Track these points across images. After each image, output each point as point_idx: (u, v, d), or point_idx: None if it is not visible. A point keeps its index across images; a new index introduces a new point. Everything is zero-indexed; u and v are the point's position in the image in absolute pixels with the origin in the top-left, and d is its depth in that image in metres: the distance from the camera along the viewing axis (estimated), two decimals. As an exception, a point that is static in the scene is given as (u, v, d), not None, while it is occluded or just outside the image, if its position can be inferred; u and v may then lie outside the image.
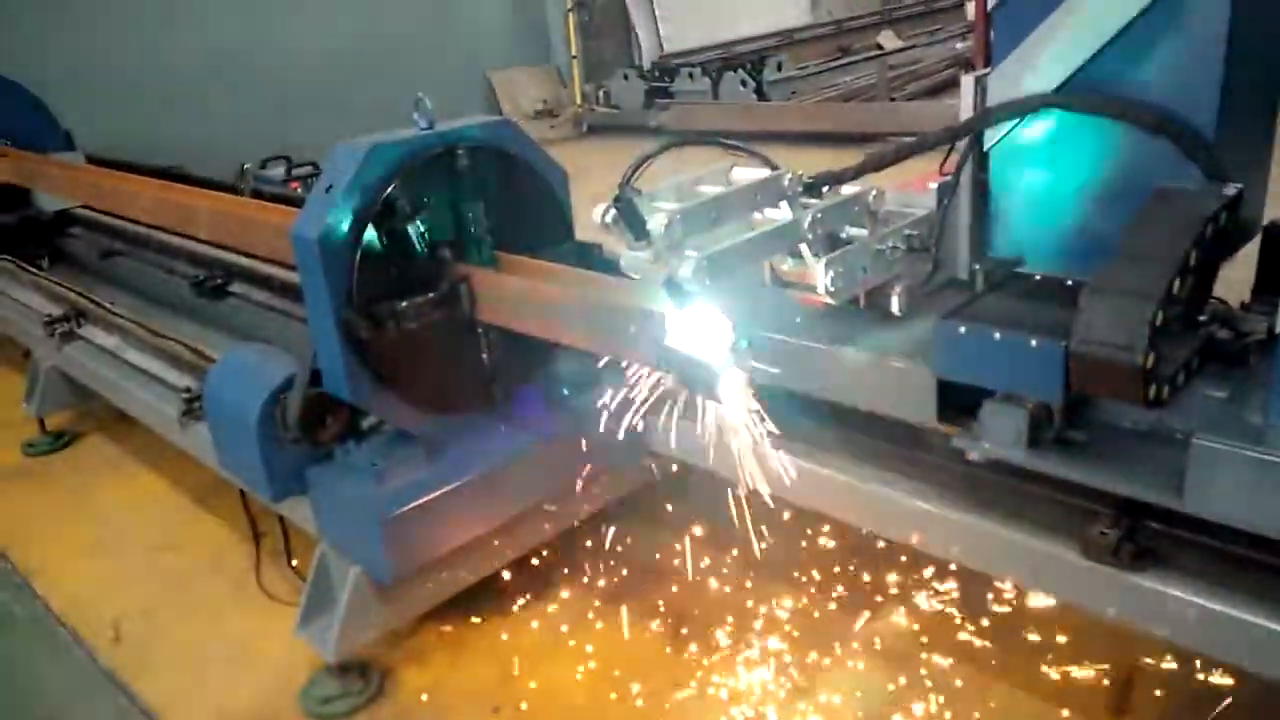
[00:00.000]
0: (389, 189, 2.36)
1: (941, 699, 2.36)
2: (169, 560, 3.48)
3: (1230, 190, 1.97)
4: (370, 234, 2.36)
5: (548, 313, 2.30)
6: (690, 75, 11.05)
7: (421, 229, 2.43)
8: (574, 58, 11.97)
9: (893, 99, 10.10)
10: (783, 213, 2.28)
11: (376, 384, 2.45)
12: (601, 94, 11.72)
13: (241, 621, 3.09)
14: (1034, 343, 1.97)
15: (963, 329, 2.09)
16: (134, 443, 4.35)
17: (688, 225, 2.06)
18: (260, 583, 3.25)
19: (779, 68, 10.89)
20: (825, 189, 2.37)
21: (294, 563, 3.17)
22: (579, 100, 11.93)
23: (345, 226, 2.31)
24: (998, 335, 2.04)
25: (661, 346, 2.01)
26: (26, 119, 5.89)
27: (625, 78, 11.48)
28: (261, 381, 2.63)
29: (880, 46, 12.91)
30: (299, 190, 6.22)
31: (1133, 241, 1.88)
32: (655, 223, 1.98)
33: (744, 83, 10.55)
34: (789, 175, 2.31)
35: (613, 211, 2.00)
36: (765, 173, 2.34)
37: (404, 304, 2.36)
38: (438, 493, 2.50)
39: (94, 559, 3.53)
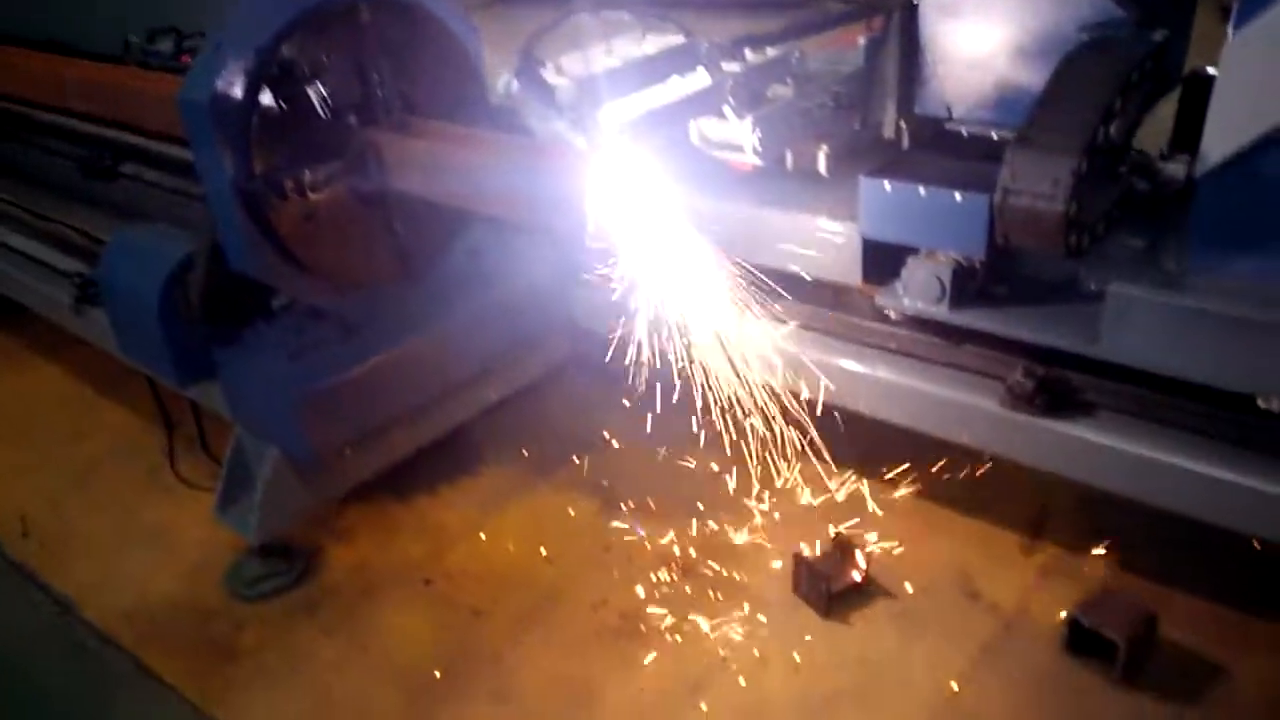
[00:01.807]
0: (285, 47, 2.18)
1: (868, 550, 2.43)
2: (76, 451, 3.34)
3: (1158, 36, 1.96)
4: (267, 97, 2.18)
5: (461, 179, 2.18)
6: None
7: (324, 91, 2.26)
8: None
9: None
10: (700, 78, 2.19)
11: (283, 259, 2.32)
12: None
13: (156, 510, 3.00)
14: (959, 197, 1.97)
15: (888, 186, 2.07)
16: (29, 334, 4.10)
17: (601, 93, 1.96)
18: (175, 470, 3.15)
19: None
20: (747, 51, 2.28)
21: (210, 449, 3.08)
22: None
23: (238, 89, 2.13)
24: (923, 191, 2.02)
25: (582, 210, 1.94)
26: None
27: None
28: (159, 262, 2.47)
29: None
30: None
31: (1058, 90, 1.86)
32: (565, 92, 1.87)
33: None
34: (706, 43, 2.20)
35: (515, 82, 1.89)
36: (679, 39, 2.24)
37: (308, 173, 2.22)
38: (355, 370, 2.43)
39: (-7, 453, 3.37)
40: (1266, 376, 1.76)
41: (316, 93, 2.26)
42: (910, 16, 2.28)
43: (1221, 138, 1.73)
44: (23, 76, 3.61)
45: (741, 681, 2.24)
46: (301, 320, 2.50)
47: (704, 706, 2.18)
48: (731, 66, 2.23)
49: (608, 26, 2.33)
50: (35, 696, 2.39)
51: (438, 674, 2.32)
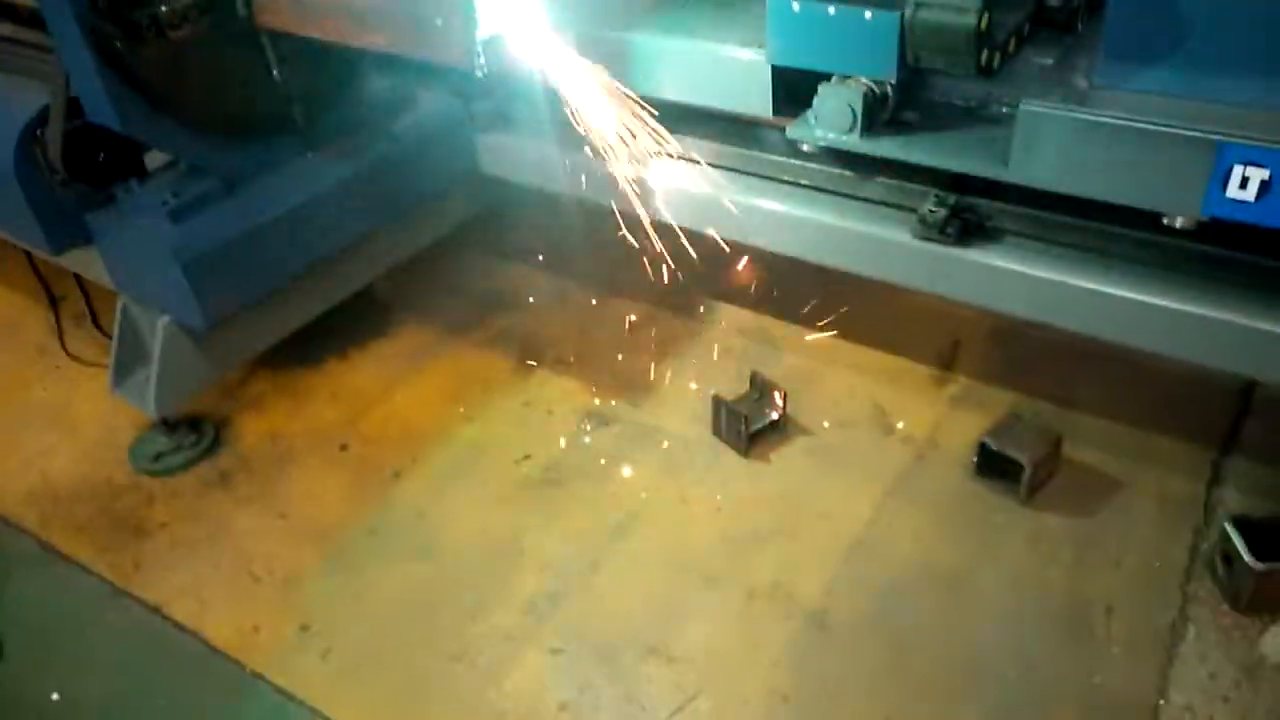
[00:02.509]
0: None
1: (786, 391, 2.44)
2: (-46, 334, 3.14)
3: None
4: (109, -81, 1.94)
5: (339, 10, 2.00)
6: None
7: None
8: None
9: None
10: None
11: (147, 108, 2.13)
12: None
13: (50, 389, 2.86)
14: (869, 15, 1.87)
15: (797, 6, 1.95)
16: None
17: None
18: (65, 347, 2.99)
19: None
20: None
21: (99, 324, 2.92)
22: None
23: (73, -94, 1.89)
24: (832, 10, 1.91)
25: (475, 37, 1.79)
26: None
27: None
28: (8, 119, 2.25)
29: None
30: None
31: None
32: None
33: None
34: None
35: None
36: None
37: (163, 7, 2.00)
38: (243, 229, 2.27)
39: None
40: (1172, 192, 1.75)
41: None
42: None
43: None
44: None
45: (664, 523, 2.26)
46: (180, 178, 2.32)
47: (628, 549, 2.20)
48: None
49: None
50: (-64, 584, 2.31)
51: (361, 535, 2.29)
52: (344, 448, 2.55)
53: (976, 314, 2.63)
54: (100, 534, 2.36)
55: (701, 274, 2.96)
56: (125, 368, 2.49)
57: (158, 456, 2.52)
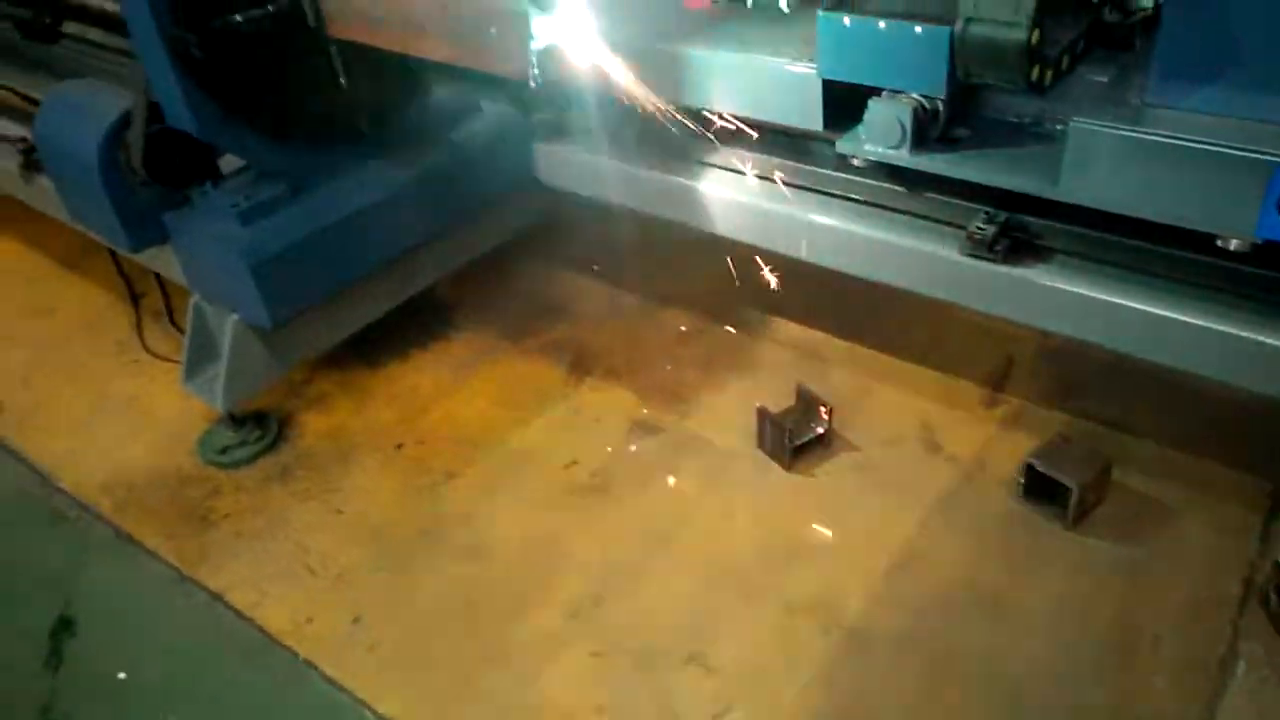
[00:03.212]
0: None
1: (832, 406, 2.44)
2: (42, 326, 3.31)
3: None
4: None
5: (402, 21, 2.08)
6: None
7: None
8: None
9: None
10: None
11: (223, 114, 2.24)
12: None
13: (127, 382, 3.00)
14: (919, 29, 1.87)
15: (847, 21, 1.96)
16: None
17: None
18: (144, 343, 3.14)
19: None
20: None
21: (176, 321, 3.07)
22: None
23: (159, -73, 2.00)
24: (883, 24, 1.92)
25: (531, 46, 1.85)
26: None
27: None
28: (95, 121, 2.38)
29: None
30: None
31: (1024, -93, 1.74)
32: None
33: None
34: None
35: None
36: None
37: (239, 17, 2.11)
38: (309, 232, 2.37)
39: (-42, 330, 3.35)
40: (1225, 213, 1.71)
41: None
42: None
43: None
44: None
45: (706, 533, 2.28)
46: (251, 182, 2.42)
47: (670, 557, 2.23)
48: None
49: None
50: (18, 563, 2.44)
51: (412, 534, 2.36)
52: (399, 447, 2.63)
53: (1029, 333, 2.62)
54: (169, 522, 2.47)
55: (752, 287, 2.99)
56: (196, 363, 2.61)
57: (224, 449, 2.63)
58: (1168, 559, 2.07)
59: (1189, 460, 2.26)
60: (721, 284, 3.03)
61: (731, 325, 2.87)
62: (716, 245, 2.98)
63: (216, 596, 2.26)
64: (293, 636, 2.14)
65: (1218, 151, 1.66)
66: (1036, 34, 1.73)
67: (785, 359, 2.73)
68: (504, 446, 2.58)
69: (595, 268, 3.19)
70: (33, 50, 3.72)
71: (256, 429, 2.67)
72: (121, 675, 2.11)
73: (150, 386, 2.96)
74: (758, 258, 2.69)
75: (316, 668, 2.06)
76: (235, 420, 2.66)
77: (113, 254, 3.39)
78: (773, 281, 2.74)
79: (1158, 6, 1.75)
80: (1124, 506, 2.19)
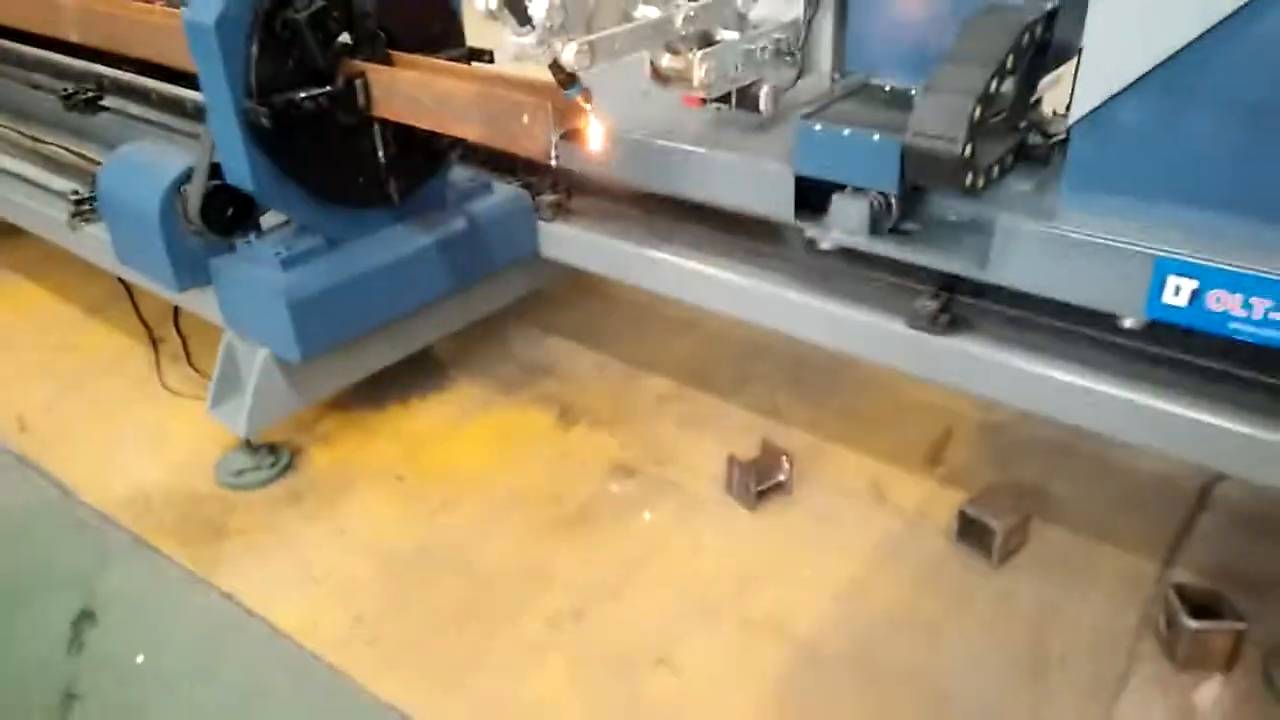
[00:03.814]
0: (283, -21, 2.42)
1: (793, 459, 2.76)
2: (67, 360, 3.56)
3: (1048, 5, 2.28)
4: (265, 22, 2.42)
5: (441, 106, 2.45)
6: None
7: (314, 21, 2.48)
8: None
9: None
10: (656, 11, 2.45)
11: (278, 177, 2.58)
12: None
13: (147, 412, 3.25)
14: (876, 138, 2.28)
15: (818, 127, 2.37)
16: (11, 258, 4.30)
17: (569, 11, 2.20)
18: (162, 381, 3.39)
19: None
20: None
21: (193, 363, 3.34)
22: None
23: (241, 13, 2.37)
24: (847, 132, 2.33)
25: (553, 133, 2.22)
26: None
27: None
28: (160, 174, 2.71)
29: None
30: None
31: (960, 47, 2.17)
32: (537, 7, 2.12)
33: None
34: None
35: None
36: None
37: (302, 95, 2.47)
38: (340, 280, 2.69)
39: (-12, 360, 3.59)
40: (1120, 296, 2.09)
41: (310, 23, 2.49)
42: None
43: (1084, 96, 2.05)
44: (14, 6, 3.78)
45: (676, 561, 2.56)
46: (291, 235, 2.75)
47: (643, 580, 2.50)
48: (684, 2, 2.47)
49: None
50: (42, 564, 2.64)
51: (410, 551, 2.61)
52: (400, 479, 2.89)
53: (968, 408, 2.99)
54: (185, 533, 2.69)
55: (726, 355, 3.35)
56: (223, 393, 2.88)
57: (240, 473, 2.87)
58: (1077, 595, 2.38)
59: (1100, 517, 2.60)
60: (698, 352, 3.40)
61: (706, 388, 3.21)
62: (695, 317, 3.37)
63: (227, 596, 2.47)
64: (298, 631, 2.36)
65: (1112, 246, 2.06)
66: (969, 149, 2.14)
67: (753, 420, 3.06)
68: (496, 482, 2.86)
69: (584, 333, 3.54)
70: (75, 120, 4.06)
71: (270, 456, 2.92)
72: (139, 659, 2.31)
73: (168, 417, 3.21)
74: (733, 328, 3.05)
75: (322, 659, 2.28)
76: (251, 448, 2.91)
77: (133, 302, 3.69)
78: (746, 351, 3.10)
79: (1069, 134, 2.18)
80: (1043, 552, 2.51)
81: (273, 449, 2.95)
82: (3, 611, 2.49)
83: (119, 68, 4.02)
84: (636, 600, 2.44)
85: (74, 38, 3.57)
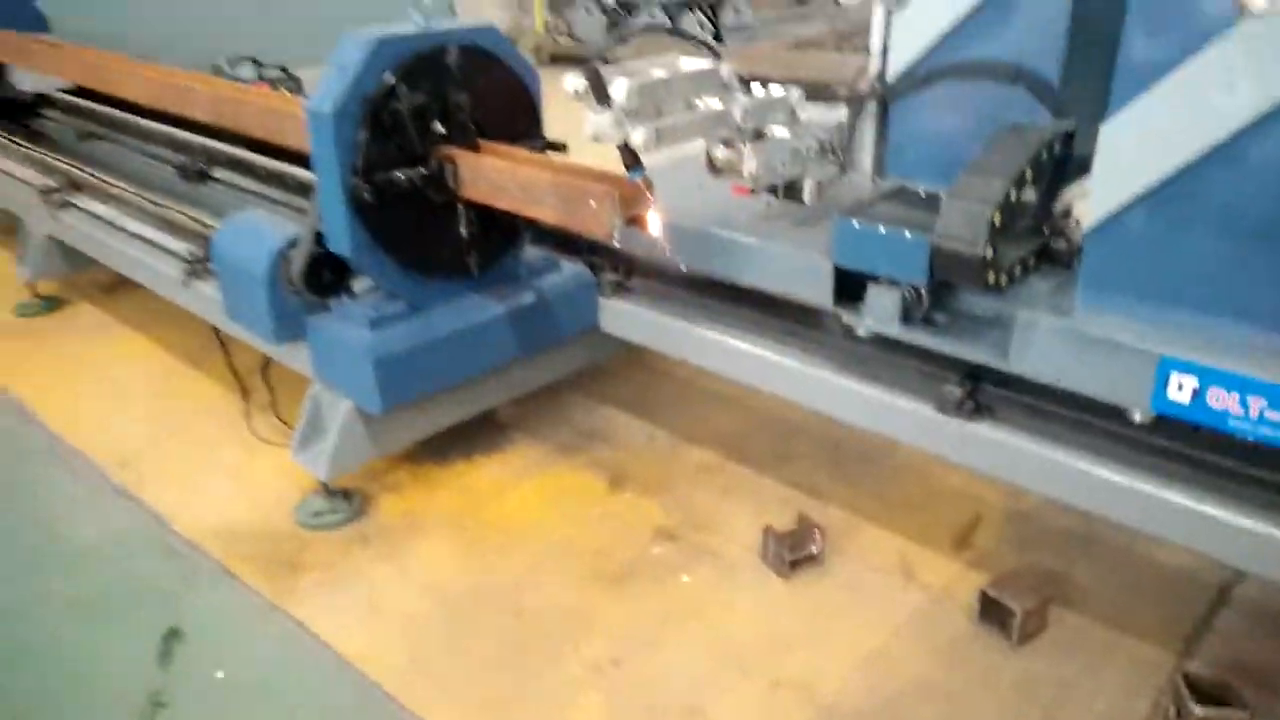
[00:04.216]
0: (391, 75, 2.78)
1: (826, 532, 2.93)
2: (165, 406, 3.91)
3: (1065, 125, 2.52)
4: (374, 112, 2.77)
5: (521, 190, 2.76)
6: (651, 14, 11.34)
7: (415, 113, 2.84)
8: (537, -14, 12.14)
9: (840, 49, 10.55)
10: (719, 103, 2.74)
11: (373, 246, 2.90)
12: (563, 25, 11.96)
13: (236, 455, 3.55)
14: (908, 235, 2.52)
15: (856, 224, 2.62)
16: (120, 310, 4.74)
17: (642, 96, 2.51)
18: (251, 428, 3.70)
19: (737, 12, 11.28)
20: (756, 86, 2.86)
21: (279, 413, 3.65)
22: (540, 29, 12.16)
23: (354, 103, 2.73)
24: (882, 229, 2.58)
25: (617, 218, 2.51)
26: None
27: (586, 10, 11.72)
28: (271, 239, 3.06)
29: (838, 2, 13.29)
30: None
31: (983, 160, 2.42)
32: (617, 91, 2.43)
33: (701, 25, 10.91)
34: (725, 67, 2.76)
35: (583, 81, 2.47)
36: (708, 64, 2.79)
37: (401, 175, 2.81)
38: (420, 342, 2.98)
39: (96, 402, 3.95)
40: (1128, 391, 2.27)
41: (410, 113, 2.84)
42: (883, 107, 2.89)
43: (1096, 206, 2.27)
44: (149, 85, 4.26)
45: (711, 621, 2.73)
46: (380, 299, 3.07)
47: (679, 636, 2.68)
48: (743, 98, 2.77)
49: (659, 46, 2.90)
50: (137, 585, 2.92)
51: (466, 592, 2.84)
52: (461, 528, 3.13)
53: (998, 496, 3.14)
54: (264, 566, 2.95)
55: (767, 432, 3.55)
56: (307, 440, 3.17)
57: (317, 514, 3.14)
58: (1092, 679, 2.49)
59: (1120, 606, 2.71)
60: (742, 428, 3.61)
61: (746, 463, 3.41)
62: (740, 394, 3.58)
63: (299, 623, 2.71)
64: (361, 660, 2.58)
65: (1121, 343, 2.25)
66: (990, 251, 2.36)
67: (790, 494, 3.24)
68: (548, 535, 3.08)
69: (637, 404, 3.78)
70: (187, 190, 4.50)
71: (345, 501, 3.19)
72: (219, 674, 2.55)
73: (254, 461, 3.51)
74: (774, 408, 3.26)
75: (380, 687, 2.49)
76: (329, 492, 3.18)
77: (227, 356, 4.04)
78: (785, 429, 3.30)
79: (1084, 240, 2.39)
80: (1062, 636, 2.63)
81: (347, 495, 3.22)
82: (101, 623, 2.76)
83: (227, 142, 4.49)
84: (672, 653, 2.61)
85: (202, 118, 4.03)
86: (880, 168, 3.02)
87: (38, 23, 6.24)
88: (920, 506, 3.17)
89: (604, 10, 11.70)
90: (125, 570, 2.98)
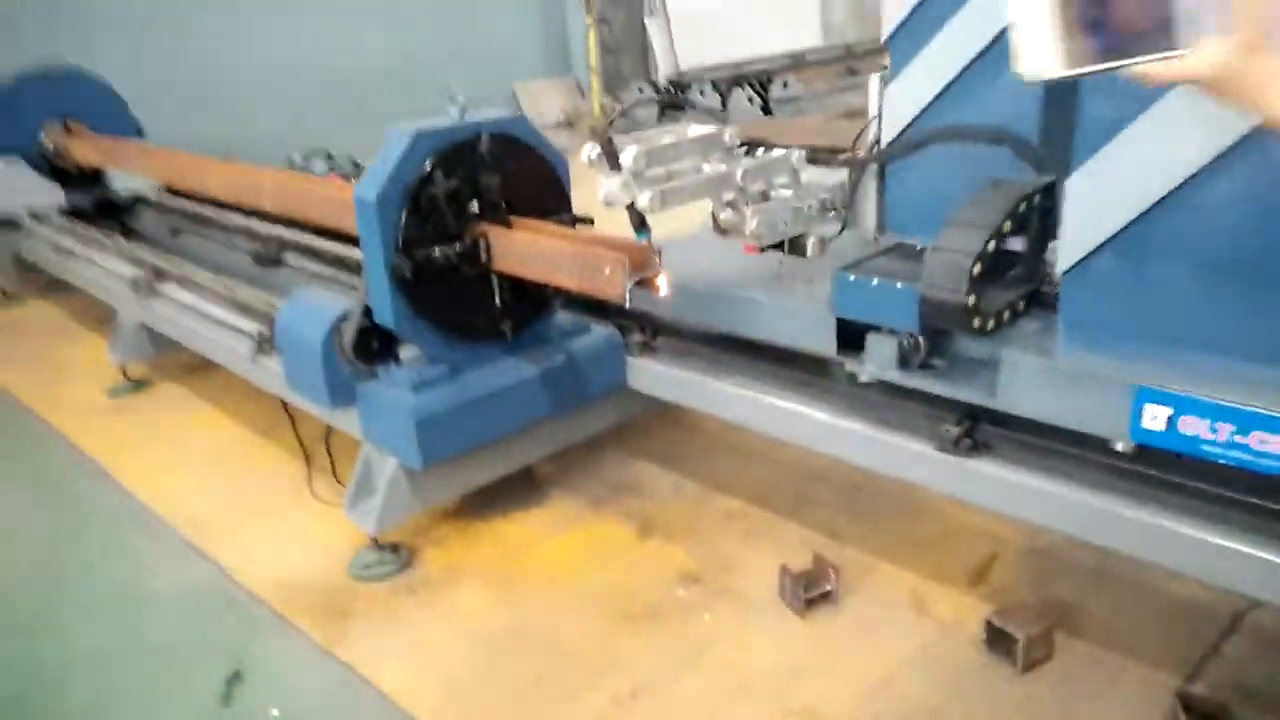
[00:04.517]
0: (429, 163, 3.10)
1: (841, 571, 3.06)
2: (235, 471, 4.24)
3: (1044, 180, 2.70)
4: (413, 196, 3.09)
5: (545, 260, 3.03)
6: (701, 91, 11.80)
7: (450, 195, 3.14)
8: (593, 71, 12.74)
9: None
10: (723, 164, 2.99)
11: (415, 316, 3.20)
12: (618, 106, 12.51)
13: (298, 517, 3.84)
14: (899, 287, 2.71)
15: (852, 278, 2.82)
16: (200, 388, 5.13)
17: (650, 160, 2.77)
18: (312, 491, 3.99)
19: (785, 85, 11.66)
20: (759, 150, 3.11)
21: (338, 477, 3.94)
22: (597, 111, 12.72)
23: (395, 190, 3.05)
24: (875, 282, 2.77)
25: (628, 281, 2.75)
26: (104, 111, 6.74)
27: (640, 91, 12.24)
28: (324, 314, 3.38)
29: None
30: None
31: (962, 214, 2.61)
32: (626, 156, 2.70)
33: (751, 99, 11.31)
34: (728, 132, 3.02)
35: (597, 149, 2.75)
36: (712, 129, 3.05)
37: (438, 252, 3.11)
38: (459, 402, 3.24)
39: (173, 471, 4.29)
40: (1108, 422, 2.39)
41: (447, 195, 3.15)
42: (882, 169, 3.11)
43: (1069, 250, 2.44)
44: (224, 181, 4.72)
45: (730, 656, 2.88)
46: (423, 364, 3.35)
47: (697, 669, 2.82)
48: (745, 160, 3.01)
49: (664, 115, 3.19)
50: (202, 632, 3.19)
51: (502, 630, 3.04)
52: (498, 577, 3.34)
53: (1015, 534, 3.24)
54: (318, 614, 3.19)
55: (789, 479, 3.70)
56: (358, 498, 3.44)
57: (367, 566, 3.39)
58: (1097, 705, 2.56)
59: (1129, 635, 2.77)
60: (765, 477, 3.77)
61: (768, 509, 3.56)
62: (765, 446, 3.75)
63: (347, 665, 2.94)
64: (401, 696, 2.78)
65: (1098, 376, 2.39)
66: (973, 298, 2.54)
67: (809, 536, 3.38)
68: (580, 581, 3.27)
69: (664, 457, 3.97)
70: (262, 274, 4.92)
71: (393, 554, 3.43)
72: (275, 712, 2.78)
73: (314, 521, 3.78)
74: (796, 458, 3.42)
75: (416, 718, 2.69)
76: (378, 546, 3.43)
77: (293, 425, 4.35)
78: (803, 476, 3.45)
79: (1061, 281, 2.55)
80: (1068, 664, 2.70)
81: (395, 549, 3.46)
82: (170, 667, 3.02)
83: (297, 230, 4.91)
84: (690, 685, 2.76)
85: (270, 209, 4.45)
86: (881, 226, 3.23)
87: (134, 130, 6.90)
88: (936, 545, 3.28)
89: (656, 90, 12.21)
90: (194, 619, 3.26)
